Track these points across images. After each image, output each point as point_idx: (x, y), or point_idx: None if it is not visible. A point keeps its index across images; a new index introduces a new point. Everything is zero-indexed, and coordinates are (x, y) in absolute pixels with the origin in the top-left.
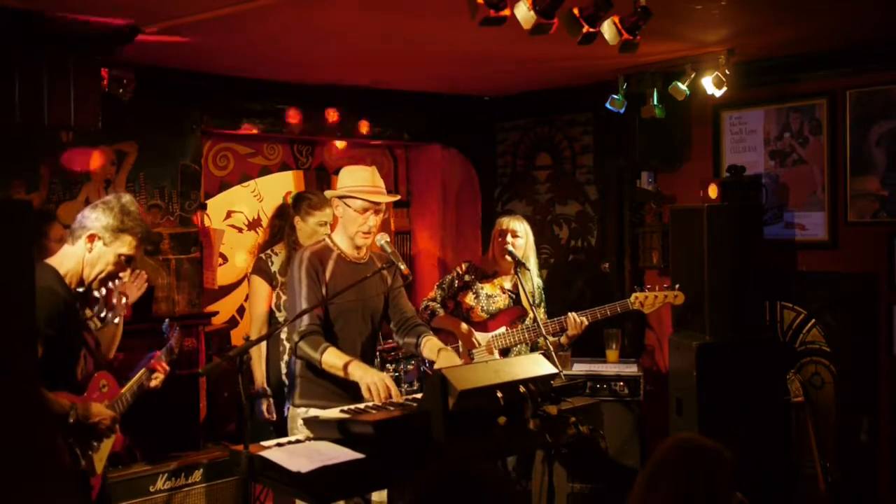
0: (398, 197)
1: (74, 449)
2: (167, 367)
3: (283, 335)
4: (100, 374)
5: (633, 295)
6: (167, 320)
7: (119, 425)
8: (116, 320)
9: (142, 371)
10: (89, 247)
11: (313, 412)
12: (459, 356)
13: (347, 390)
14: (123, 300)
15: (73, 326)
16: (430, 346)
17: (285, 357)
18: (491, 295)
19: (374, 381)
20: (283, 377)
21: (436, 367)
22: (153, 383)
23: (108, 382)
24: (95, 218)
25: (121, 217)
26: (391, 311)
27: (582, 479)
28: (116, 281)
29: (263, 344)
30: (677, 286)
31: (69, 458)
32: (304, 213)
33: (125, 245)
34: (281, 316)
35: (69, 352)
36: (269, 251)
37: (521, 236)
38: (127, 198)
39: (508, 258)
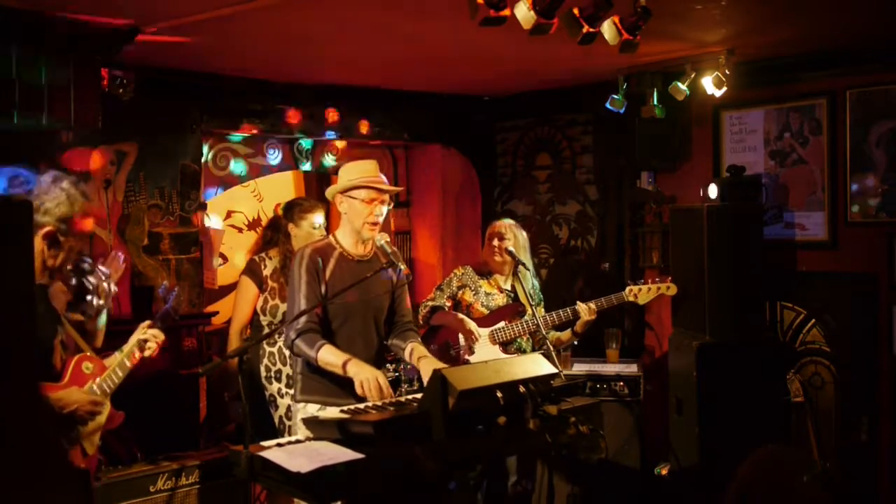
0: (402, 188)
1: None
2: (162, 334)
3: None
4: (80, 357)
5: (628, 288)
6: (164, 283)
7: (112, 401)
8: (101, 301)
9: (132, 342)
10: (46, 252)
11: (311, 408)
12: (462, 351)
13: (345, 387)
14: (107, 286)
15: (41, 320)
16: (414, 352)
17: (265, 360)
18: (489, 293)
19: (366, 377)
20: (263, 380)
21: (421, 373)
22: (147, 352)
23: (92, 363)
24: (45, 212)
25: (68, 201)
26: (392, 309)
27: (582, 480)
28: (92, 270)
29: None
30: (669, 278)
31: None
32: (297, 219)
33: (86, 226)
34: (265, 320)
35: (38, 345)
36: (262, 254)
37: (507, 238)
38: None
39: (498, 257)
